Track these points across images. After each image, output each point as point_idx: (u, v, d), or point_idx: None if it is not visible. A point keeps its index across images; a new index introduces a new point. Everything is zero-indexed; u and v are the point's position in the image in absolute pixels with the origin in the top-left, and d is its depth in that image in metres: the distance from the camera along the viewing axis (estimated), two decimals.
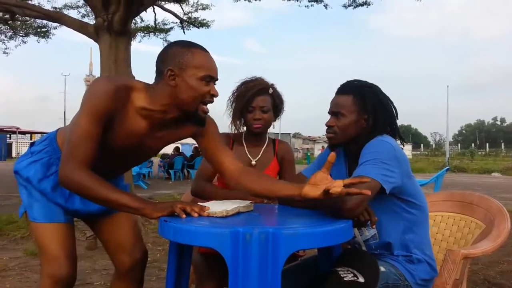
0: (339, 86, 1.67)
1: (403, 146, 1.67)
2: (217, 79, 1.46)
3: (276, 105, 2.00)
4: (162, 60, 1.43)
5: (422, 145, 73.54)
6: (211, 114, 1.56)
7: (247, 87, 1.97)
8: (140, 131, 1.46)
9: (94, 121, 1.36)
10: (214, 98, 1.46)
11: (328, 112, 1.66)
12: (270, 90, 1.98)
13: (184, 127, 1.55)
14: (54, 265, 1.53)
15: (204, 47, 1.47)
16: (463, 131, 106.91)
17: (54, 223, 1.56)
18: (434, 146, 76.87)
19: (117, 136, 1.44)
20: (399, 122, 1.69)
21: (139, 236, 1.77)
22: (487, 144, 64.10)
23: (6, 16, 10.24)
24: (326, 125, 1.65)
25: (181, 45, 1.44)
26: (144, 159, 1.68)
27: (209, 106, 1.48)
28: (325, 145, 1.77)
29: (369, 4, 9.63)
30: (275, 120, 2.05)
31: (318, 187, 1.30)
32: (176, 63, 1.39)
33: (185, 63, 1.39)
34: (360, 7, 9.73)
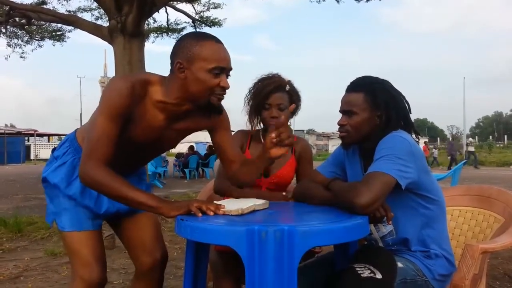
0: (349, 83, 1.65)
1: (418, 139, 1.65)
2: (229, 69, 1.44)
3: (293, 103, 1.99)
4: (174, 53, 1.44)
5: (438, 138, 72.52)
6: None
7: (264, 84, 1.96)
8: (159, 124, 1.48)
9: (112, 120, 1.38)
10: (226, 91, 1.44)
11: (340, 111, 1.64)
12: (287, 87, 1.96)
13: (201, 119, 1.56)
14: (86, 270, 1.57)
15: (217, 37, 1.45)
16: (481, 124, 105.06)
17: (83, 231, 1.60)
18: (451, 139, 75.73)
19: (137, 129, 1.47)
20: (415, 116, 1.68)
21: (160, 237, 1.79)
22: (505, 136, 62.86)
23: (23, 21, 10.43)
24: (338, 124, 1.63)
25: (192, 37, 1.44)
26: (163, 151, 1.71)
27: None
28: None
29: None
30: (292, 117, 2.04)
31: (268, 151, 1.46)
32: (185, 56, 1.39)
33: (193, 55, 1.38)
34: (373, 0, 9.62)
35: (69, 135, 1.70)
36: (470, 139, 24.54)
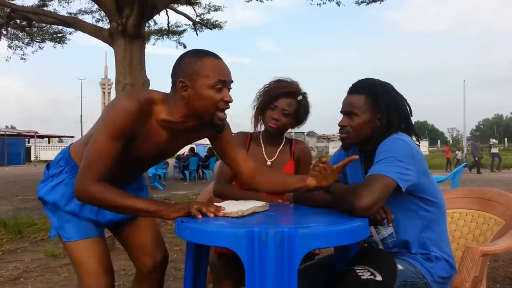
0: (351, 85, 1.65)
1: (419, 143, 1.65)
2: (231, 82, 1.45)
3: (299, 114, 1.98)
4: (175, 72, 1.44)
5: (439, 141, 72.50)
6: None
7: (279, 85, 1.97)
8: (163, 140, 1.50)
9: (114, 139, 1.37)
10: (230, 104, 1.45)
11: (341, 112, 1.64)
12: (299, 97, 1.96)
13: (202, 130, 1.57)
14: (93, 279, 1.57)
15: (216, 54, 1.46)
16: (481, 126, 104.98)
17: (88, 239, 1.60)
18: (451, 142, 75.70)
19: (141, 147, 1.47)
20: (415, 118, 1.68)
21: (161, 239, 1.80)
22: (506, 139, 62.79)
23: (23, 23, 10.45)
24: (339, 125, 1.63)
25: (191, 55, 1.44)
26: (164, 159, 1.72)
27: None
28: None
29: (382, 0, 9.54)
30: (293, 127, 2.04)
31: (316, 178, 1.45)
32: (187, 74, 1.40)
33: (195, 73, 1.39)
34: (373, 3, 9.65)
35: (63, 153, 1.68)
36: (494, 140, 23.14)
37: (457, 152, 24.54)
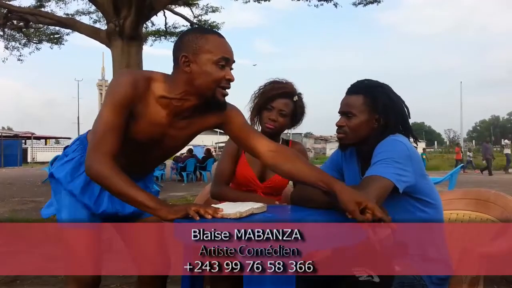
0: (350, 86, 1.66)
1: (417, 145, 1.66)
2: (233, 62, 1.46)
3: (296, 114, 1.99)
4: (177, 47, 1.44)
5: (435, 142, 72.70)
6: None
7: (274, 86, 1.98)
8: (161, 121, 1.48)
9: (116, 111, 1.39)
10: (231, 84, 1.45)
11: (339, 112, 1.65)
12: (295, 98, 1.97)
13: (207, 116, 1.55)
14: (80, 269, 1.56)
15: (220, 32, 1.48)
16: (478, 127, 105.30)
17: (80, 228, 1.60)
18: (448, 143, 75.92)
19: (140, 127, 1.47)
20: (412, 120, 1.68)
21: (165, 245, 1.77)
22: (502, 140, 63.02)
23: (21, 24, 10.44)
24: (337, 125, 1.64)
25: (195, 31, 1.47)
26: (169, 154, 1.68)
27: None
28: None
29: (379, 2, 9.59)
30: (289, 128, 2.05)
31: (352, 203, 1.24)
32: (190, 49, 1.40)
33: (198, 48, 1.40)
34: (370, 4, 9.69)
35: (81, 135, 1.72)
36: (506, 141, 22.60)
37: (468, 153, 23.53)
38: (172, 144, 1.59)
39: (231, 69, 1.46)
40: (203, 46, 1.40)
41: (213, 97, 1.44)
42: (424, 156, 20.23)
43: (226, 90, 1.45)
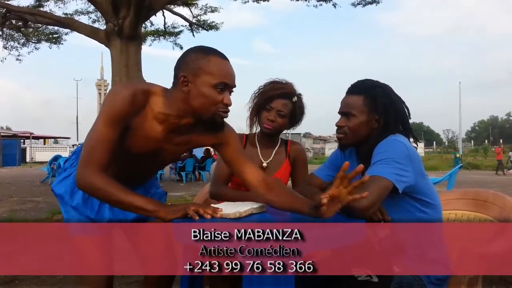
0: (350, 86, 1.66)
1: (417, 145, 1.66)
2: (233, 87, 1.43)
3: (294, 115, 1.99)
4: (179, 65, 1.42)
5: (434, 142, 72.77)
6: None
7: (274, 87, 1.97)
8: (157, 136, 1.46)
9: (110, 125, 1.37)
10: (229, 108, 1.43)
11: (338, 112, 1.65)
12: (294, 98, 1.97)
13: (204, 135, 1.53)
14: (94, 277, 1.58)
15: (223, 53, 1.44)
16: (476, 128, 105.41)
17: (90, 236, 1.60)
18: (446, 143, 76.02)
19: (136, 140, 1.46)
20: (411, 120, 1.68)
21: (172, 246, 1.75)
22: (501, 140, 63.12)
23: (19, 23, 10.42)
24: (336, 125, 1.64)
25: (197, 51, 1.42)
26: (164, 165, 1.67)
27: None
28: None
29: (378, 2, 9.60)
30: (288, 129, 2.05)
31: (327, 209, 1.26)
32: (190, 69, 1.38)
33: (199, 69, 1.38)
34: (369, 5, 9.71)
35: (77, 147, 1.71)
36: None
37: (510, 153, 23.32)
38: (169, 157, 1.59)
39: (231, 92, 1.44)
40: (204, 68, 1.37)
41: (210, 119, 1.43)
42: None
43: (225, 113, 1.43)
